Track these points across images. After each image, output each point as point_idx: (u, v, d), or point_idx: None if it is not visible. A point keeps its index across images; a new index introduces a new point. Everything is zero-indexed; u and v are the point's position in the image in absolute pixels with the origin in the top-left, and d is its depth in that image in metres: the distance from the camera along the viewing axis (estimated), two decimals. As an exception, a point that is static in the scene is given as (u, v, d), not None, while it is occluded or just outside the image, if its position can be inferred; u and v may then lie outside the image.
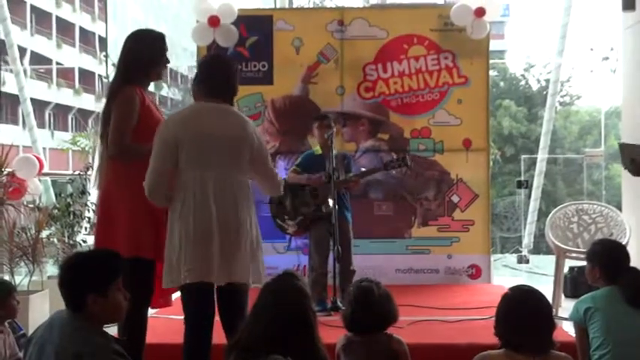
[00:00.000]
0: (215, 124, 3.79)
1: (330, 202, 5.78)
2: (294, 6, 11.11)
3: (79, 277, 2.81)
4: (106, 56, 9.08)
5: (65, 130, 33.05)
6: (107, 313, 2.82)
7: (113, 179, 3.94)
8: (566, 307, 5.97)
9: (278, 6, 9.07)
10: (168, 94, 30.04)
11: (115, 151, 3.88)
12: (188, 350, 3.81)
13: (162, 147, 3.73)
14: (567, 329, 4.81)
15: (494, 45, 7.79)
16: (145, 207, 3.86)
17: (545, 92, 22.35)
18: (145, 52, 4.04)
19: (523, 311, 3.04)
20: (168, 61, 4.17)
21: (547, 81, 24.06)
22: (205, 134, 3.76)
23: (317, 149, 6.18)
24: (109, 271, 2.85)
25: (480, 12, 7.22)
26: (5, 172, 6.86)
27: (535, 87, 25.57)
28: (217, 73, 3.97)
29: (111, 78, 7.95)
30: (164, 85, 29.85)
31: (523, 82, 25.95)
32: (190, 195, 3.70)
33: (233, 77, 4.00)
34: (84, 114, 33.55)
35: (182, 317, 3.89)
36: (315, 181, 6.01)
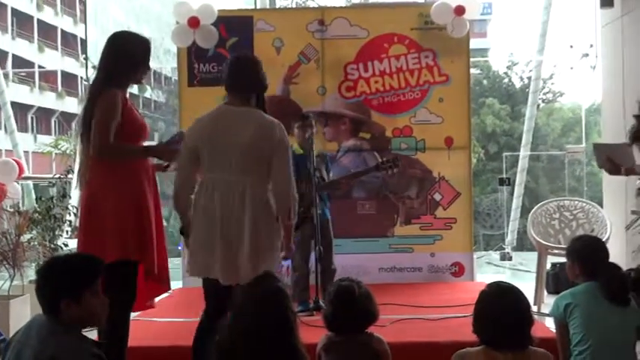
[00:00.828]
0: (229, 130, 3.90)
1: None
2: (277, 6, 11.10)
3: (52, 281, 2.79)
4: (86, 59, 9.01)
5: (48, 133, 32.85)
6: (82, 318, 2.80)
7: (97, 180, 3.89)
8: (548, 303, 6.01)
9: (259, 6, 9.05)
10: (152, 96, 29.94)
11: (100, 151, 3.83)
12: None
13: (184, 149, 3.95)
14: (549, 325, 4.83)
15: (477, 43, 7.84)
16: (130, 207, 3.86)
17: (527, 90, 22.48)
18: (128, 56, 4.00)
19: (499, 308, 3.05)
20: (149, 68, 4.14)
21: (530, 79, 24.18)
22: (219, 139, 3.90)
23: (297, 148, 6.16)
24: (83, 276, 2.82)
25: (460, 10, 7.25)
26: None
27: (518, 85, 25.68)
28: (241, 73, 4.15)
29: (91, 80, 7.88)
30: (147, 87, 29.76)
31: (506, 80, 26.05)
32: (201, 197, 3.88)
33: (256, 75, 4.24)
34: (67, 117, 33.36)
35: (165, 319, 3.89)
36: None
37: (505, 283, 3.22)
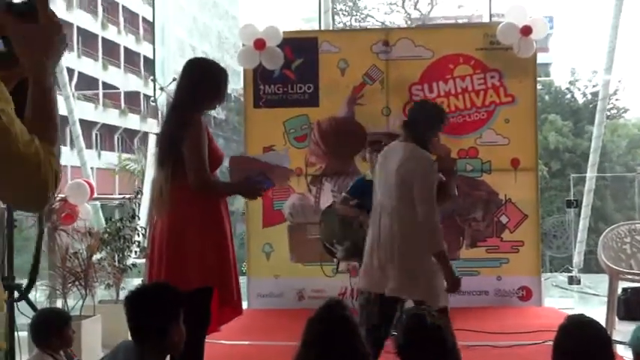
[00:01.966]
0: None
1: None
2: (337, 23, 11.13)
3: (145, 311, 2.86)
4: (154, 79, 9.17)
5: (112, 149, 33.52)
6: (167, 347, 2.86)
7: (180, 208, 3.88)
8: (620, 330, 5.88)
9: (323, 26, 9.09)
10: (212, 113, 30.33)
11: (201, 186, 3.86)
12: None
13: None
14: (622, 353, 4.72)
15: (539, 58, 7.73)
16: (212, 235, 3.89)
17: (591, 105, 22.07)
18: (212, 83, 4.03)
19: (581, 343, 2.98)
20: (226, 96, 4.20)
21: (593, 94, 23.75)
22: None
23: (367, 174, 6.16)
24: (173, 307, 2.89)
25: (527, 30, 7.18)
26: (58, 198, 6.97)
27: (581, 100, 25.26)
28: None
29: (159, 100, 7.94)
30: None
31: (569, 96, 25.65)
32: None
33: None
34: (130, 133, 34.04)
35: (232, 342, 3.92)
36: (360, 214, 5.96)
37: (586, 317, 3.15)
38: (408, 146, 4.32)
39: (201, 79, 4.00)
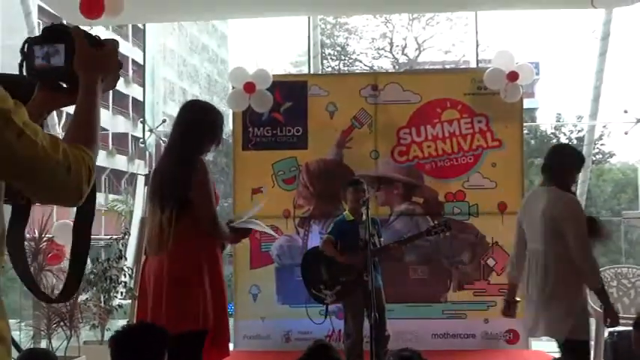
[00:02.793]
0: None
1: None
2: (326, 67, 11.25)
3: (133, 352, 2.85)
4: (143, 121, 9.23)
5: (98, 190, 33.35)
6: None
7: (182, 249, 3.91)
8: (607, 374, 5.87)
9: (312, 70, 9.19)
10: (200, 155, 30.41)
11: (213, 229, 3.95)
12: None
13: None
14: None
15: (525, 103, 7.84)
16: (211, 278, 3.94)
17: (577, 151, 22.27)
18: (213, 126, 4.12)
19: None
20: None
21: (578, 139, 23.95)
22: None
23: (347, 214, 6.17)
24: (160, 347, 2.89)
25: (514, 76, 7.28)
26: (45, 239, 6.96)
27: (567, 145, 25.48)
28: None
29: (148, 142, 7.94)
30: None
31: (554, 141, 25.86)
32: None
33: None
34: (117, 174, 33.98)
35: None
36: (348, 260, 5.97)
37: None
38: (551, 190, 4.52)
39: (199, 121, 4.08)
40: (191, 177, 3.91)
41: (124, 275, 7.11)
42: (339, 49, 25.17)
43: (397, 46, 24.23)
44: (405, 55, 24.34)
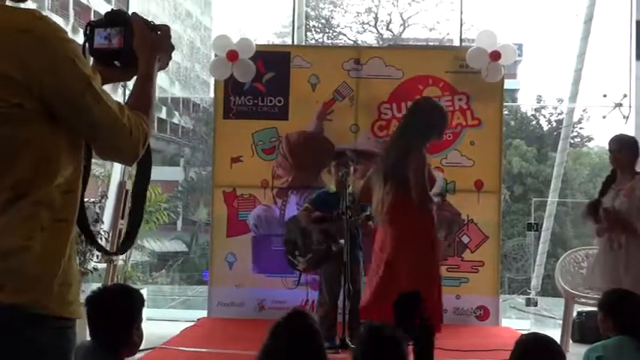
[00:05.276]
0: None
1: (342, 240, 5.80)
2: (309, 39, 11.23)
3: (107, 312, 2.88)
4: (124, 86, 9.16)
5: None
6: (128, 348, 2.89)
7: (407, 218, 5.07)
8: (573, 352, 6.00)
9: (295, 41, 9.17)
10: (180, 122, 30.22)
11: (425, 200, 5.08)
12: None
13: None
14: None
15: (506, 84, 7.89)
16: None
17: (555, 133, 22.43)
18: (439, 125, 5.69)
19: (536, 358, 3.07)
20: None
21: (558, 122, 24.12)
22: None
23: (332, 187, 6.22)
24: (134, 308, 2.93)
25: (496, 56, 7.31)
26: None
27: (546, 127, 25.64)
28: None
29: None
30: (176, 112, 30.05)
31: (534, 122, 26.02)
32: None
33: None
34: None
35: (189, 349, 3.94)
36: (322, 229, 6.03)
37: (541, 334, 3.25)
38: None
39: (427, 118, 5.31)
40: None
41: (101, 239, 7.09)
42: (323, 21, 25.08)
43: (382, 21, 24.21)
44: (390, 30, 24.32)
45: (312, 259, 6.14)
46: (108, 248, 6.89)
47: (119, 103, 1.88)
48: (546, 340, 3.13)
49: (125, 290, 3.07)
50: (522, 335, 3.21)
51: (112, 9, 2.15)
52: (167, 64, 2.13)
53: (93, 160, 2.01)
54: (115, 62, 2.09)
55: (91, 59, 2.04)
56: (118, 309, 2.88)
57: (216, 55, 7.65)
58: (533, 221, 11.66)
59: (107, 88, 1.94)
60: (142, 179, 2.11)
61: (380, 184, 5.10)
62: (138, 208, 2.16)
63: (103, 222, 7.26)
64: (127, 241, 2.18)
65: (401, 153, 5.13)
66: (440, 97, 7.61)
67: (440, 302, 5.39)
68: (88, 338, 2.91)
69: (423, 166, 5.00)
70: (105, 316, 2.88)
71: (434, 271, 5.30)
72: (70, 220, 1.80)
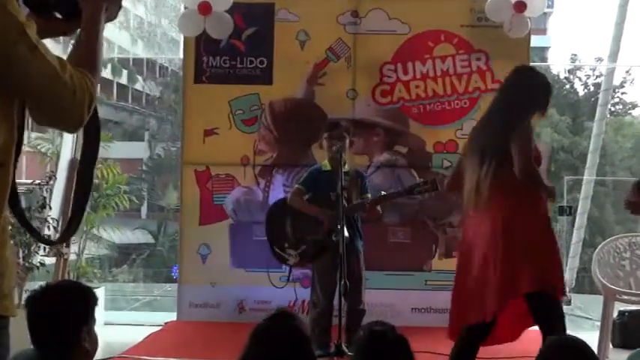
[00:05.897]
0: None
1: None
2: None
3: (51, 313, 2.88)
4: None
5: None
6: (78, 355, 2.89)
7: (512, 201, 4.81)
8: (613, 358, 6.02)
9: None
10: (144, 89, 30.10)
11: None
12: None
13: None
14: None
15: (534, 41, 7.86)
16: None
17: (593, 99, 22.46)
18: (541, 95, 5.15)
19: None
20: None
21: (596, 86, 24.16)
22: None
23: (325, 164, 6.20)
24: (84, 308, 2.92)
25: (521, 6, 7.26)
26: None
27: (582, 92, 25.68)
28: None
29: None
30: (139, 77, 29.88)
31: (567, 87, 26.05)
32: None
33: None
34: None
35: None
36: (321, 214, 6.02)
37: (570, 335, 3.26)
38: None
39: (526, 88, 5.08)
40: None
41: (48, 228, 7.09)
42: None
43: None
44: (394, -24, 24.21)
45: (307, 251, 6.12)
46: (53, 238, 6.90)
47: (60, 58, 1.87)
48: (576, 345, 3.14)
49: (72, 287, 3.06)
50: (548, 339, 3.22)
51: None
52: (116, 14, 2.12)
53: (39, 135, 1.99)
54: (55, 13, 2.09)
55: (27, 10, 2.01)
56: (63, 309, 2.87)
57: (185, 8, 7.61)
58: (566, 204, 11.67)
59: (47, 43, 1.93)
60: (90, 150, 2.09)
61: (473, 167, 4.94)
62: (83, 187, 2.15)
63: (51, 207, 7.25)
64: (69, 228, 2.19)
65: (500, 129, 5.05)
66: (454, 56, 7.61)
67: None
68: (31, 345, 2.91)
69: (530, 138, 4.93)
70: (47, 319, 2.87)
71: (555, 247, 5.26)
72: None
